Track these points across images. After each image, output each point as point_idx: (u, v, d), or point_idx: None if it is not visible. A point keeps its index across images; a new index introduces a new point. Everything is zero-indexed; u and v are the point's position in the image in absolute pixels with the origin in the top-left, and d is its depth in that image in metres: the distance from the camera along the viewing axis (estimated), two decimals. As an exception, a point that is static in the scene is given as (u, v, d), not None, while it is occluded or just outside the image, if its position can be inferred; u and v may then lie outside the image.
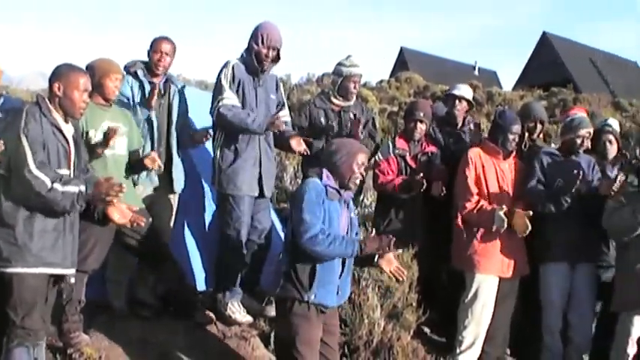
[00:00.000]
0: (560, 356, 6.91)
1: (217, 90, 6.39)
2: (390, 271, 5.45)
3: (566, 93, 25.50)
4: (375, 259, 5.37)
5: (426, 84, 25.70)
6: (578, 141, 6.98)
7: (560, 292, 6.87)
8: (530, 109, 7.75)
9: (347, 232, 5.30)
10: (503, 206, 6.70)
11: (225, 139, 6.43)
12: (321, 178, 5.22)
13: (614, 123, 7.96)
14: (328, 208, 5.12)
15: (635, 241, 6.47)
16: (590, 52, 48.52)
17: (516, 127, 7.07)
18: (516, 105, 20.90)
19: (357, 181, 5.36)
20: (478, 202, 6.86)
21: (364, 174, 5.46)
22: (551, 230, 6.89)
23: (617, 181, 6.47)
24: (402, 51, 48.09)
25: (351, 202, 5.52)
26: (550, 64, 43.62)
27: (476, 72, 48.02)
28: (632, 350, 6.56)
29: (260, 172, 6.49)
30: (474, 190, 6.89)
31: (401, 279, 5.61)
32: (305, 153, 6.78)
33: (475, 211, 6.84)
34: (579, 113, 7.29)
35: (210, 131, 6.54)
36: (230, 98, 6.30)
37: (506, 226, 6.65)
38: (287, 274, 5.15)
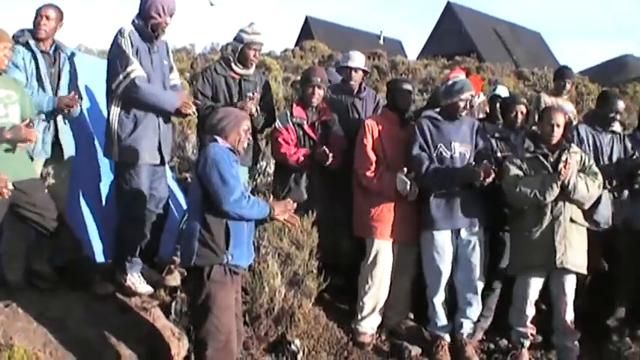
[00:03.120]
0: (444, 321, 6.94)
1: (122, 59, 6.16)
2: (285, 219, 5.55)
3: (469, 62, 25.82)
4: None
5: (331, 53, 25.65)
6: (461, 104, 6.94)
7: (442, 259, 6.85)
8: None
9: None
10: (404, 169, 6.76)
11: (122, 107, 6.25)
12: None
13: (502, 91, 8.11)
14: (236, 170, 5.21)
15: (532, 206, 6.66)
16: (494, 22, 49.37)
17: (406, 85, 7.21)
18: (420, 74, 21.15)
19: (245, 145, 5.47)
20: (377, 169, 6.91)
21: (250, 140, 5.48)
22: (433, 196, 6.85)
23: (491, 174, 6.57)
24: (307, 20, 48.06)
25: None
26: (454, 34, 44.33)
27: (381, 41, 48.32)
28: (530, 312, 6.77)
29: (159, 139, 6.41)
30: (373, 157, 6.93)
31: (296, 224, 5.72)
32: (193, 114, 6.70)
33: (376, 180, 6.88)
34: (460, 76, 7.33)
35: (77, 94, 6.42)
36: (140, 69, 6.16)
37: (409, 187, 6.71)
38: (201, 240, 5.15)
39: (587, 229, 6.86)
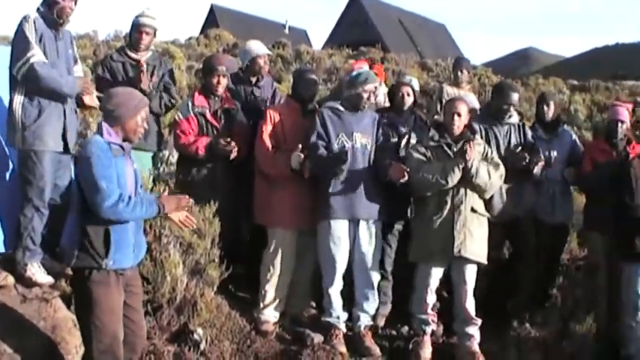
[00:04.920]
0: (339, 312, 6.95)
1: (23, 45, 6.10)
2: (180, 221, 5.33)
3: (374, 52, 26.09)
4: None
5: (236, 41, 25.65)
6: (365, 96, 6.96)
7: (338, 249, 6.84)
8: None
9: (134, 187, 5.15)
10: (299, 146, 6.78)
11: (26, 94, 6.18)
12: (101, 135, 4.98)
13: (415, 83, 8.20)
14: (115, 166, 4.91)
15: (434, 195, 6.77)
16: (400, 13, 50.00)
17: (312, 75, 7.30)
18: (324, 63, 21.27)
19: (142, 132, 5.20)
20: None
21: (146, 127, 5.30)
22: (332, 184, 6.81)
23: (404, 176, 6.62)
24: (212, 8, 47.84)
25: (131, 153, 5.29)
26: (360, 24, 44.75)
27: (286, 30, 48.44)
28: (431, 299, 6.89)
29: (64, 127, 6.35)
30: (270, 143, 6.98)
31: (191, 227, 5.55)
32: (96, 106, 6.60)
33: (272, 163, 6.92)
34: (364, 68, 7.39)
35: None
36: (40, 55, 6.08)
37: (303, 163, 6.74)
38: (81, 242, 4.94)
39: (489, 220, 7.00)
